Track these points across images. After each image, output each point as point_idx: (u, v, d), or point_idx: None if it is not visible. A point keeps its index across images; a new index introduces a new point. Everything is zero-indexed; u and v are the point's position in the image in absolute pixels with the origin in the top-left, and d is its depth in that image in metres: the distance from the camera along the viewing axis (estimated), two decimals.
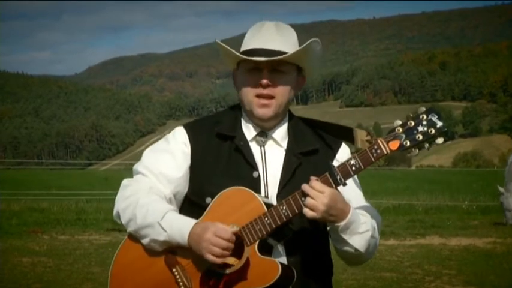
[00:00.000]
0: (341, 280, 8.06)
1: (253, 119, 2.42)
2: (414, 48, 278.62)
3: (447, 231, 12.76)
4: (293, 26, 2.45)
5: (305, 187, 2.18)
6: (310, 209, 2.17)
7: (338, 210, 2.20)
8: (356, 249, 2.29)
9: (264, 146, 2.43)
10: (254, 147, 2.42)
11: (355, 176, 2.38)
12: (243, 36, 2.49)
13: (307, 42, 2.35)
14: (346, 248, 2.30)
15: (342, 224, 2.24)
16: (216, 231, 2.20)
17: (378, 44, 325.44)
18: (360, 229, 2.28)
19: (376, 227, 2.38)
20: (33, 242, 11.05)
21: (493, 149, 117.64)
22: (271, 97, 2.37)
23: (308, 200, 2.17)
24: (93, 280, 7.91)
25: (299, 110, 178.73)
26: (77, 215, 14.62)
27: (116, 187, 2.53)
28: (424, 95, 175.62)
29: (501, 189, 13.41)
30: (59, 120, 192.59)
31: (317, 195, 2.16)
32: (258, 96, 2.37)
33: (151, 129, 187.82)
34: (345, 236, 2.27)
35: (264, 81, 2.35)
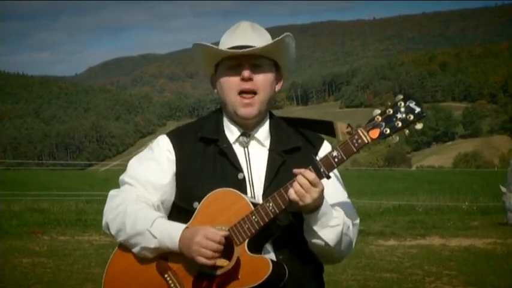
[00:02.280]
0: (341, 281, 8.07)
1: (237, 119, 2.44)
2: (414, 49, 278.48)
3: (447, 232, 12.76)
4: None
5: (301, 179, 2.21)
6: (299, 197, 2.20)
7: (316, 202, 2.24)
8: (326, 243, 2.30)
9: (247, 147, 2.45)
10: (238, 149, 2.44)
11: (338, 173, 2.44)
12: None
13: (282, 36, 2.39)
14: (316, 241, 2.31)
15: (312, 214, 2.26)
16: (206, 234, 2.22)
17: (378, 45, 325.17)
18: (331, 222, 2.29)
19: (350, 226, 2.39)
20: (34, 243, 11.06)
21: (493, 150, 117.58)
22: (254, 92, 2.39)
23: (298, 189, 2.20)
24: (94, 281, 7.91)
25: (299, 111, 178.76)
26: (77, 216, 14.62)
27: (116, 188, 2.54)
28: (424, 96, 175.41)
29: (503, 189, 13.39)
30: (59, 121, 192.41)
31: (309, 189, 2.20)
32: (241, 92, 2.39)
33: (152, 130, 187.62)
34: (316, 228, 2.28)
35: (246, 72, 2.37)
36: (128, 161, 2.60)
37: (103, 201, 2.48)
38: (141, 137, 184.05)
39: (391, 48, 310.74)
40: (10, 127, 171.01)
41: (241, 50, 2.36)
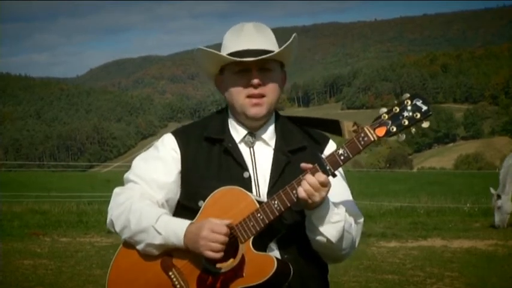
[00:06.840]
0: (343, 282, 8.07)
1: (245, 120, 2.44)
2: (416, 51, 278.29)
3: (449, 234, 12.73)
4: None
5: (311, 179, 2.20)
6: (308, 196, 2.21)
7: (322, 200, 2.25)
8: (328, 239, 2.30)
9: (253, 147, 2.45)
10: (243, 149, 2.45)
11: (342, 173, 2.45)
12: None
13: (292, 38, 2.39)
14: (319, 238, 2.31)
15: (315, 211, 2.27)
16: (211, 227, 2.22)
17: (379, 46, 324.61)
18: (333, 219, 2.30)
19: (352, 224, 2.40)
20: (35, 244, 11.05)
21: (495, 151, 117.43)
22: (263, 96, 2.39)
23: (308, 189, 2.20)
24: (95, 282, 7.91)
25: (300, 112, 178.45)
26: (78, 217, 14.60)
27: (119, 186, 2.53)
28: (426, 97, 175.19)
29: (492, 191, 13.34)
30: (60, 123, 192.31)
31: (319, 189, 2.21)
32: (250, 96, 2.39)
33: (153, 132, 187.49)
34: (317, 224, 2.29)
35: (256, 81, 2.37)
36: (129, 162, 2.61)
37: (104, 203, 2.50)
38: (143, 138, 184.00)
39: (392, 50, 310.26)
40: (12, 129, 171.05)
41: (253, 58, 2.35)
